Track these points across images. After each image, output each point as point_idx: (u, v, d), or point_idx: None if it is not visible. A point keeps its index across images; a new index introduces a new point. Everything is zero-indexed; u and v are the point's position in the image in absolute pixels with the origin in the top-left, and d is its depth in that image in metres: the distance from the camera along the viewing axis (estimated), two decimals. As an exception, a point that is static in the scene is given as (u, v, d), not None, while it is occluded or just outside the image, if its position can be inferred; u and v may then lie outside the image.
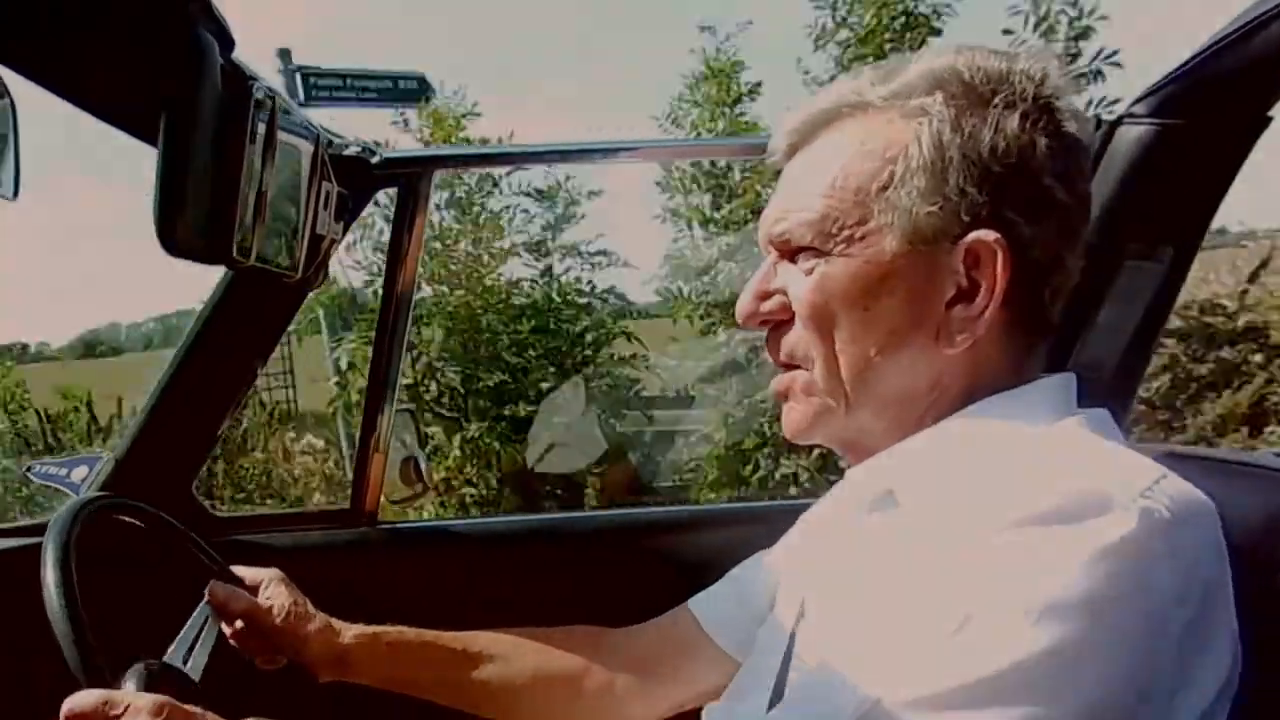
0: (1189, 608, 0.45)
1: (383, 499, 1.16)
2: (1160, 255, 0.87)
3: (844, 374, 0.57)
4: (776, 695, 0.61)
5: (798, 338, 0.59)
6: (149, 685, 0.64)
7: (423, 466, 1.17)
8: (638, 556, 1.13)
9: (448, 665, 0.81)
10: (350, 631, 0.81)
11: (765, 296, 0.61)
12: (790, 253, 0.59)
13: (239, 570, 0.83)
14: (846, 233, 0.56)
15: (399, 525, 1.20)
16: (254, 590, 0.82)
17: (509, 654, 0.82)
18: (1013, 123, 0.54)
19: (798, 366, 0.60)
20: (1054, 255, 0.56)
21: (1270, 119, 0.79)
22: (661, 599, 0.95)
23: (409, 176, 1.03)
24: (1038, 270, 0.56)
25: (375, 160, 1.00)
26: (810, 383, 0.59)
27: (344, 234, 0.98)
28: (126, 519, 0.79)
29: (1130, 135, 0.82)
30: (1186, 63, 0.75)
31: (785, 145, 0.61)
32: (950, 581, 0.47)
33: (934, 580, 0.48)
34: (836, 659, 0.54)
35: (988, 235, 0.54)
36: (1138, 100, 0.82)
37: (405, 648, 0.81)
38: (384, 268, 1.09)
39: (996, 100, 0.54)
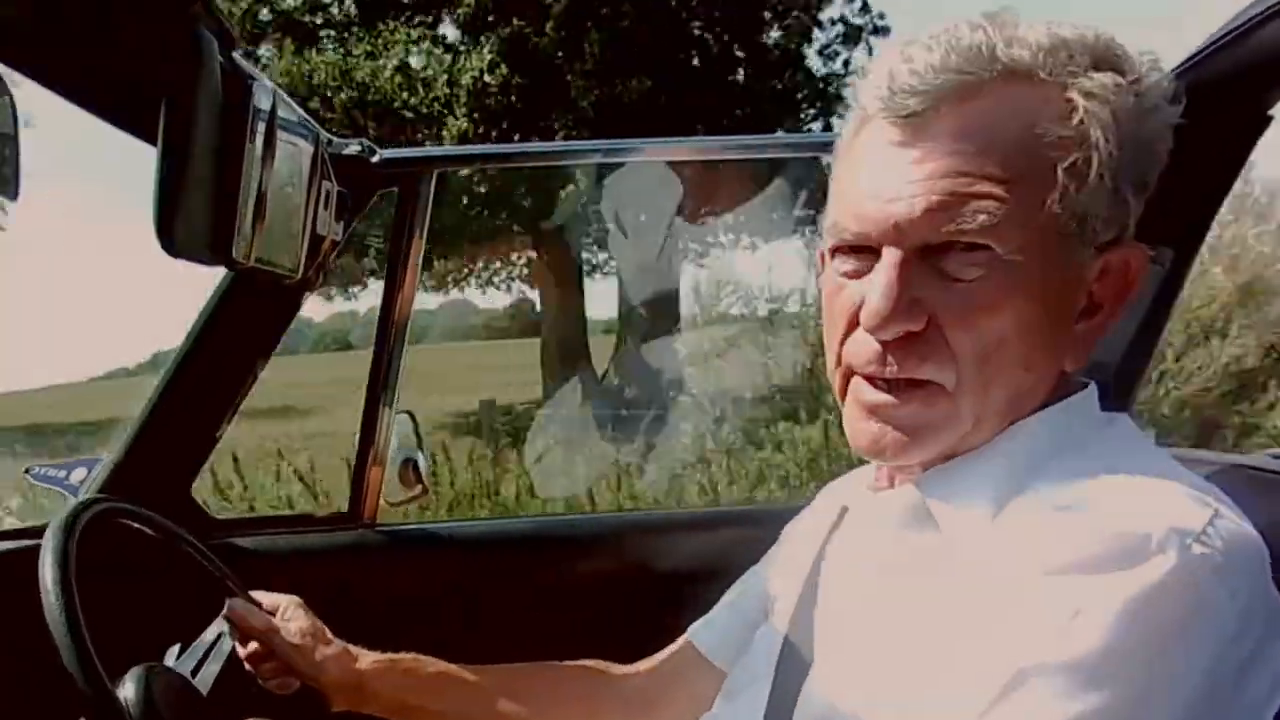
0: (1246, 646, 0.44)
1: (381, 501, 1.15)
2: (1160, 255, 0.87)
3: (989, 394, 0.50)
4: (773, 697, 0.60)
5: (941, 352, 0.50)
6: (147, 688, 0.64)
7: (422, 468, 1.17)
8: (637, 558, 1.13)
9: (462, 696, 0.80)
10: (367, 658, 0.80)
11: (909, 302, 0.49)
12: (941, 248, 0.49)
13: (258, 595, 0.83)
14: (1026, 233, 0.47)
15: (397, 528, 1.19)
16: (273, 613, 0.81)
17: (521, 687, 0.81)
18: (1168, 131, 0.50)
19: (921, 382, 0.51)
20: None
21: (1270, 118, 0.79)
22: (660, 601, 0.95)
23: (409, 176, 1.03)
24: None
25: (375, 160, 1.00)
26: (941, 398, 0.51)
27: (344, 234, 0.98)
28: (126, 523, 0.78)
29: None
30: (1186, 62, 0.75)
31: (922, 106, 0.48)
32: (998, 633, 0.45)
33: (976, 622, 0.46)
34: (859, 693, 0.52)
35: (1138, 251, 0.50)
36: (1138, 100, 0.82)
37: (421, 676, 0.80)
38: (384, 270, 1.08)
39: (1159, 100, 0.49)
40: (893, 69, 0.49)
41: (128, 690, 0.63)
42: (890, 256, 0.50)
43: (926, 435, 0.52)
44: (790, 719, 0.58)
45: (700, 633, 0.79)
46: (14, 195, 0.56)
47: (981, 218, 0.47)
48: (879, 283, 0.50)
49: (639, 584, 1.11)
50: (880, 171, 0.50)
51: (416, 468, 1.16)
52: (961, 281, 0.49)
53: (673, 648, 0.81)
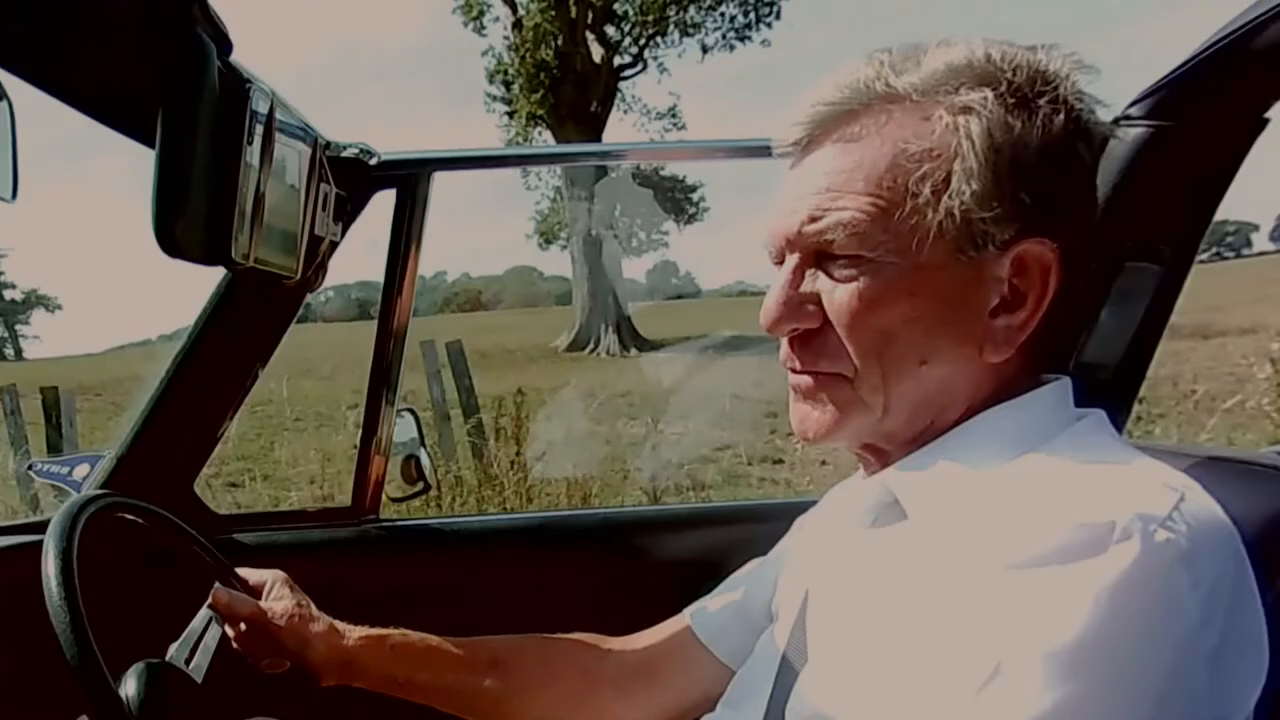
0: (1214, 630, 0.44)
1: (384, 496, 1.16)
2: (1159, 257, 0.87)
3: (887, 384, 0.55)
4: (771, 705, 0.60)
5: (835, 347, 0.56)
6: (149, 684, 0.64)
7: (424, 464, 1.17)
8: (638, 555, 1.13)
9: (451, 669, 0.81)
10: (355, 634, 0.80)
11: (797, 303, 0.56)
12: (823, 256, 0.55)
13: (243, 572, 0.83)
14: (895, 238, 0.52)
15: (399, 523, 1.20)
16: (258, 592, 0.82)
17: (511, 660, 0.82)
18: (1058, 125, 0.51)
19: (827, 374, 0.57)
20: (1082, 261, 0.55)
21: (1268, 119, 0.79)
22: (661, 597, 0.96)
23: (407, 178, 1.03)
24: (1072, 277, 0.54)
25: (374, 162, 1.00)
26: (845, 388, 0.56)
27: (343, 235, 0.99)
28: (128, 518, 0.79)
29: (1129, 136, 0.82)
30: (1185, 63, 0.75)
31: (803, 136, 0.56)
32: (967, 625, 0.46)
33: (948, 620, 0.47)
34: (842, 697, 0.53)
35: (1040, 243, 0.52)
36: (1136, 101, 0.82)
37: (409, 651, 0.81)
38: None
39: (1042, 103, 0.51)
40: (793, 105, 0.57)
41: (129, 686, 0.64)
42: (787, 264, 0.57)
43: (839, 421, 0.57)
44: None
45: (697, 616, 0.79)
46: (13, 196, 0.57)
47: (845, 229, 0.53)
48: (772, 289, 0.58)
49: (641, 579, 1.11)
50: (779, 193, 0.58)
51: (419, 464, 1.17)
52: (844, 284, 0.54)
53: (669, 625, 0.81)
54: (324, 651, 0.79)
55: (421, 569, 1.13)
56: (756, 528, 0.83)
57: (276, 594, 0.81)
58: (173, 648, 0.74)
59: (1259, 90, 0.76)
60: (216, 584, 0.80)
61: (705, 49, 13.66)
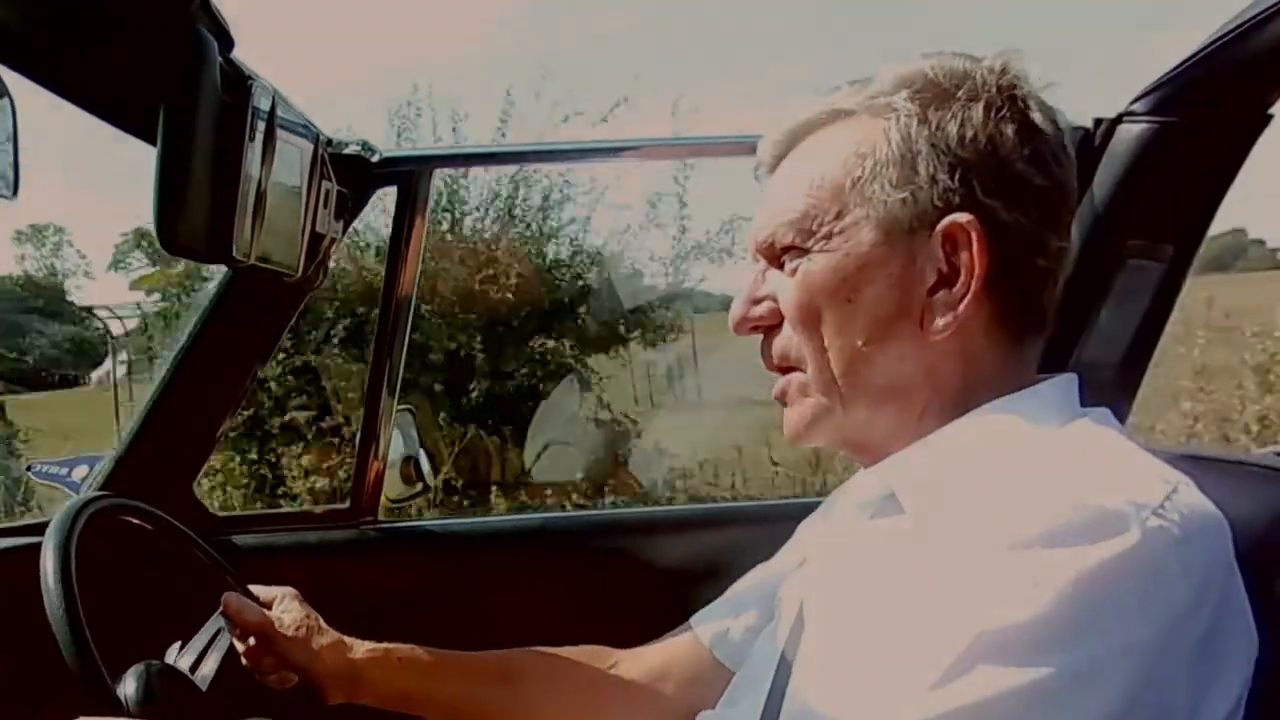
0: (1200, 623, 0.45)
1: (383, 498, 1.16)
2: (1160, 255, 0.87)
3: (834, 369, 0.58)
4: (769, 703, 0.60)
5: (788, 339, 0.60)
6: (148, 685, 0.64)
7: (423, 465, 1.17)
8: (638, 555, 1.13)
9: (458, 683, 0.81)
10: (362, 647, 0.80)
11: (756, 303, 0.62)
12: (776, 257, 0.61)
13: (255, 588, 0.83)
14: (825, 229, 0.57)
15: (398, 525, 1.20)
16: (268, 606, 0.81)
17: (519, 673, 0.82)
18: (977, 112, 0.55)
19: (792, 369, 0.61)
20: (1035, 238, 0.56)
21: (1270, 117, 0.79)
22: (661, 598, 0.95)
23: (408, 175, 1.03)
24: (1019, 253, 0.56)
25: (375, 159, 1.00)
26: (805, 383, 0.60)
27: (344, 233, 0.99)
28: (128, 520, 0.79)
29: (1130, 134, 0.82)
30: (1186, 61, 0.75)
31: (769, 159, 0.64)
32: (957, 604, 0.46)
33: (937, 601, 0.48)
34: (836, 683, 0.53)
35: (961, 218, 0.55)
36: (1137, 99, 0.82)
37: (416, 664, 0.81)
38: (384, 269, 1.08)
39: (960, 94, 0.56)
40: (768, 129, 0.63)
41: (128, 687, 0.64)
42: (755, 268, 0.63)
43: (808, 419, 0.61)
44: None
45: (703, 626, 0.79)
46: (13, 194, 0.56)
47: (786, 226, 0.59)
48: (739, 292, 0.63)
49: (642, 580, 1.11)
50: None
51: (418, 464, 1.16)
52: (789, 277, 0.60)
53: (676, 635, 0.81)
54: (331, 664, 0.78)
55: (421, 570, 1.13)
56: (757, 528, 0.83)
57: (285, 607, 0.81)
58: (173, 650, 0.74)
59: (1263, 86, 0.76)
60: (227, 593, 0.80)
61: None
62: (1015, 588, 0.44)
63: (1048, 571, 0.44)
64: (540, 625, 1.11)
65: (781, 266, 0.60)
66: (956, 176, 0.55)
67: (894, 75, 0.58)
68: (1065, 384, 0.59)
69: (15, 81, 0.59)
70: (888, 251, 0.56)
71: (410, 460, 1.16)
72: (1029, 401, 0.56)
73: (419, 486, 1.17)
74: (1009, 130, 0.55)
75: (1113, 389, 0.92)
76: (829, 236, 0.57)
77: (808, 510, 0.78)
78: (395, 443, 1.13)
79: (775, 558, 0.79)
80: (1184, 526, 0.45)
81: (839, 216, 0.57)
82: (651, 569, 1.11)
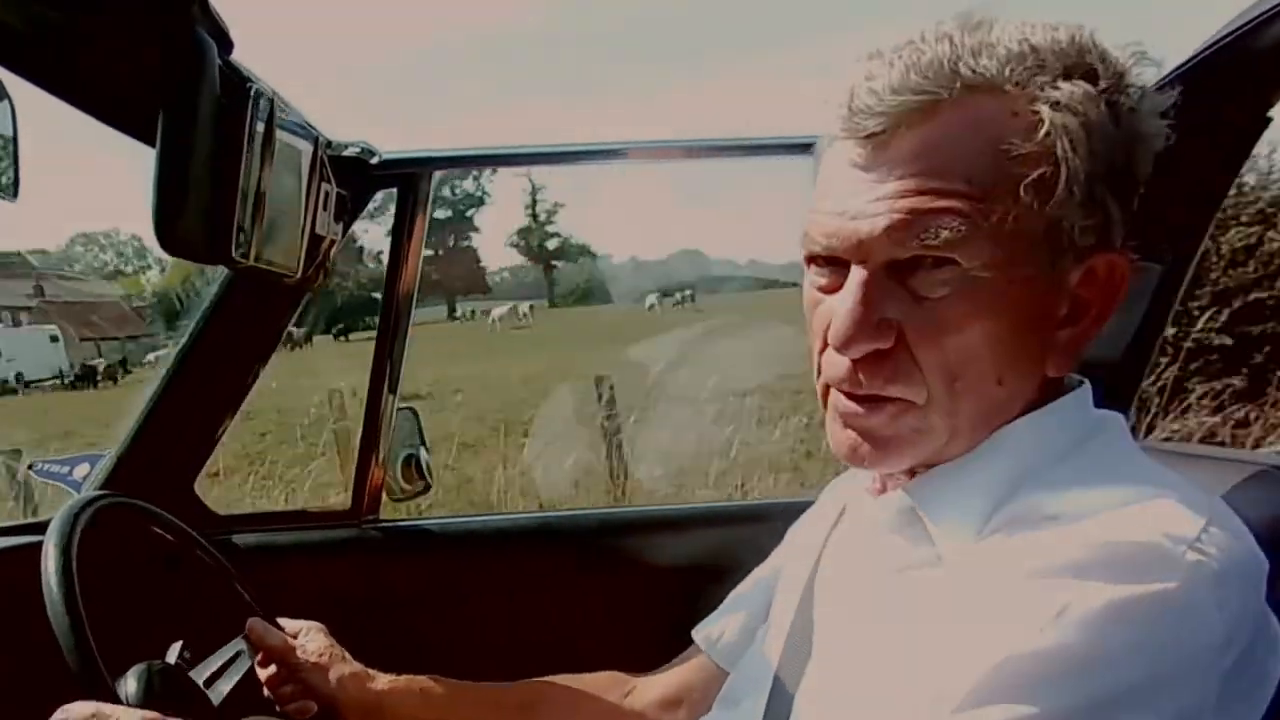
0: (1231, 656, 0.43)
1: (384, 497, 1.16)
2: (1160, 255, 0.87)
3: (961, 408, 0.51)
4: (770, 704, 0.60)
5: (908, 370, 0.50)
6: (149, 685, 0.64)
7: (424, 464, 1.17)
8: (639, 554, 1.13)
9: (480, 714, 0.80)
10: (384, 678, 0.80)
11: (874, 322, 0.49)
12: (904, 266, 0.49)
13: (282, 621, 0.83)
14: (995, 248, 0.47)
15: (400, 524, 1.20)
16: (293, 636, 0.82)
17: (539, 702, 0.81)
18: (1138, 126, 0.49)
19: (891, 399, 0.51)
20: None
21: (1270, 119, 0.79)
22: (663, 596, 0.96)
23: (408, 177, 1.03)
24: None
25: (374, 161, 1.00)
26: (911, 413, 0.51)
27: (343, 234, 0.99)
28: (129, 519, 0.79)
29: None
30: (1186, 62, 0.75)
31: (879, 128, 0.48)
32: (984, 628, 0.45)
33: (962, 626, 0.46)
34: (839, 698, 0.53)
35: (1122, 254, 0.50)
36: (1137, 100, 0.82)
37: (438, 695, 0.80)
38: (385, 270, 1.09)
39: (1128, 101, 0.48)
40: (854, 87, 0.49)
41: (129, 686, 0.64)
42: (857, 275, 0.50)
43: (899, 446, 0.52)
44: None
45: (710, 642, 0.79)
46: (14, 196, 0.57)
47: (945, 234, 0.47)
48: (845, 303, 0.50)
49: (643, 578, 1.11)
50: (844, 191, 0.50)
51: (419, 464, 1.17)
52: (929, 299, 0.49)
53: (687, 657, 0.81)
54: (353, 694, 0.78)
55: (421, 570, 1.13)
56: (756, 528, 0.83)
57: (310, 636, 0.81)
58: (173, 650, 0.74)
59: (1261, 89, 0.76)
60: (251, 618, 0.80)
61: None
62: (1045, 613, 0.43)
63: (1078, 599, 0.43)
64: (540, 624, 1.12)
65: (899, 277, 0.49)
66: (1121, 206, 0.49)
67: (1048, 47, 0.47)
68: (1085, 393, 0.56)
69: (15, 82, 0.60)
70: (1042, 283, 0.49)
71: (411, 460, 1.16)
72: (1057, 415, 0.53)
73: (420, 486, 1.18)
74: (1151, 155, 0.50)
75: (1112, 390, 0.92)
76: (995, 259, 0.47)
77: (806, 509, 0.78)
78: (396, 443, 1.14)
79: (767, 562, 0.79)
80: (1220, 561, 0.44)
81: (1012, 235, 0.47)
82: (652, 568, 1.11)
